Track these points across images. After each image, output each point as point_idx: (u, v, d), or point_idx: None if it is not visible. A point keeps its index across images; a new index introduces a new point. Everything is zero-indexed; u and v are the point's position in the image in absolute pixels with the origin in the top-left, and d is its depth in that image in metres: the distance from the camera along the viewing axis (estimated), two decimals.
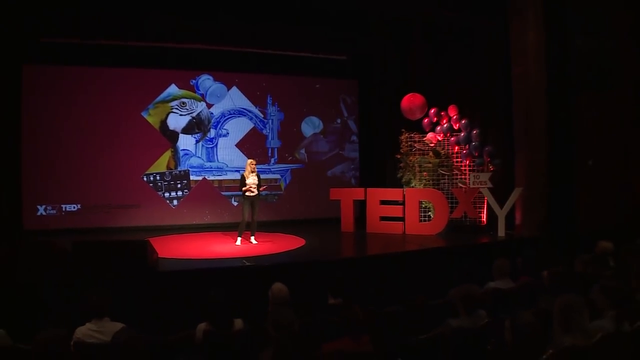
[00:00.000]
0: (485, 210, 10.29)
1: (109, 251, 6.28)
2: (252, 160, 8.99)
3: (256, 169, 8.92)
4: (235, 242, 8.81)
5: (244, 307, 4.14)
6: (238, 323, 3.84)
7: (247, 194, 8.76)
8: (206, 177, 11.86)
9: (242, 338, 3.56)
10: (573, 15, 9.88)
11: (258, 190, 8.83)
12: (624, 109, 9.49)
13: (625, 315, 3.29)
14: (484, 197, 10.01)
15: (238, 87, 12.15)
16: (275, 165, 12.45)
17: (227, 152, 12.03)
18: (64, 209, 10.67)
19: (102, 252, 6.22)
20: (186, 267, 7.06)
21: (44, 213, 10.54)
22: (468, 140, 10.37)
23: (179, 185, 11.59)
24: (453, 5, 10.09)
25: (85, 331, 3.66)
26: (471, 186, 9.92)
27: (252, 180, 8.75)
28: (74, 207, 10.71)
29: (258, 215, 9.04)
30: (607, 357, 3.03)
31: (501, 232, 9.44)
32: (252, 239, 8.93)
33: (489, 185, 9.69)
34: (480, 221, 10.35)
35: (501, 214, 9.46)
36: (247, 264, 7.07)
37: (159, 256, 6.74)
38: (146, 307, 5.36)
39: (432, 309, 4.27)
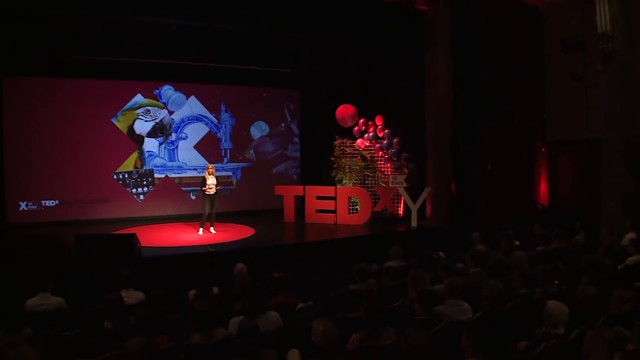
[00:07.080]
0: (401, 204, 12.27)
1: (104, 242, 8.05)
2: (211, 164, 10.72)
3: (214, 172, 10.67)
4: (198, 231, 10.52)
5: (218, 280, 6.09)
6: (215, 290, 5.81)
7: (207, 192, 10.45)
8: (168, 174, 13.35)
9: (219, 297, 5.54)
10: (475, 49, 11.74)
11: (216, 188, 10.56)
12: (517, 126, 11.69)
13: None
14: (400, 195, 11.93)
15: (196, 96, 13.68)
16: (228, 164, 14.12)
17: (187, 153, 13.57)
18: (43, 204, 11.96)
19: (98, 243, 7.96)
20: (163, 254, 8.65)
21: (25, 208, 11.81)
22: (389, 146, 12.37)
23: (144, 182, 13.06)
24: (378, 38, 11.52)
25: None
26: (390, 185, 11.86)
27: (211, 181, 10.46)
28: (53, 203, 12.05)
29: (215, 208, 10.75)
30: None
31: (414, 222, 11.32)
32: (212, 229, 10.61)
33: (405, 184, 11.58)
34: (398, 214, 12.39)
35: (414, 208, 11.36)
36: (212, 250, 8.95)
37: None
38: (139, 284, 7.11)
39: (341, 280, 6.34)
